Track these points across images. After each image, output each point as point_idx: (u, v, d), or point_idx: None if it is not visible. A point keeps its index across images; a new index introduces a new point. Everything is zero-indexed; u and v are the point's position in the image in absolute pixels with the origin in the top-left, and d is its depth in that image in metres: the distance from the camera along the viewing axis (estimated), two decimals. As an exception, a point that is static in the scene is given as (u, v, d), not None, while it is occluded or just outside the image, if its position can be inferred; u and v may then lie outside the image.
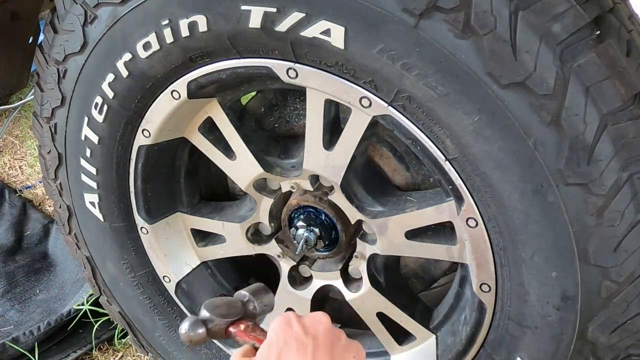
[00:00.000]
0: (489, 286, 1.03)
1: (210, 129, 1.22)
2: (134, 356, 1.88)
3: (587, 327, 0.94)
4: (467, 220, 0.98)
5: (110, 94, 1.15)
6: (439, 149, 0.94)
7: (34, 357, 1.83)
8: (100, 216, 1.34)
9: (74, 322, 1.89)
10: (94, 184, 1.30)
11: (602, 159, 0.83)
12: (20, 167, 2.71)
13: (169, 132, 1.22)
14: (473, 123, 0.86)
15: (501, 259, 0.98)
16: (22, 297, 2.05)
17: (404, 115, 0.94)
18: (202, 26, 0.99)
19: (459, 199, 0.97)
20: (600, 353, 0.96)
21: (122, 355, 1.88)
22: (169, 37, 1.03)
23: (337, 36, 0.89)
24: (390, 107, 0.94)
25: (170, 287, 1.41)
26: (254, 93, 1.26)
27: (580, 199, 0.85)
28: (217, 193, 1.45)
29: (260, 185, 1.23)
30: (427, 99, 0.88)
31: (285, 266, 1.31)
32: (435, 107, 0.88)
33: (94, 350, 1.88)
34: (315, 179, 1.17)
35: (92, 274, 1.47)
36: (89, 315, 1.89)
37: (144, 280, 1.41)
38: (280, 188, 1.22)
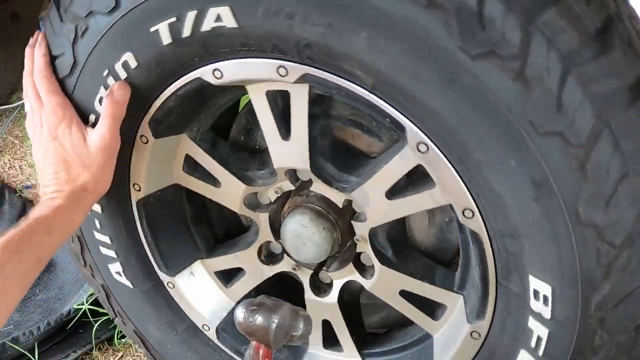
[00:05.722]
0: (471, 211, 0.97)
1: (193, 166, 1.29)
2: (134, 356, 1.86)
3: (576, 208, 0.85)
4: (417, 146, 0.95)
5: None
6: (357, 84, 0.94)
7: (34, 357, 1.84)
8: (129, 284, 1.41)
9: (74, 322, 1.89)
10: (113, 254, 1.38)
11: (572, 107, 0.80)
12: (20, 167, 2.72)
13: (157, 180, 1.29)
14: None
15: (465, 173, 0.94)
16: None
17: (315, 66, 0.95)
18: (133, 62, 1.09)
19: (401, 129, 0.96)
20: (605, 232, 0.86)
21: (122, 355, 1.87)
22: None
23: (227, 17, 0.95)
24: (302, 66, 0.96)
25: (212, 335, 1.42)
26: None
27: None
28: (232, 232, 1.49)
29: (253, 203, 1.26)
30: (319, 37, 0.90)
31: (305, 277, 1.30)
32: (328, 42, 0.90)
33: (94, 350, 1.87)
34: (293, 176, 1.18)
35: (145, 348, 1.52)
36: (89, 315, 1.88)
37: (186, 335, 1.44)
38: (271, 201, 1.24)
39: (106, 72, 1.11)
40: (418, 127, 0.93)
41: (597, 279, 0.88)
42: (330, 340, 1.33)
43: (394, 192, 1.08)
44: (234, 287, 1.41)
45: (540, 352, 0.98)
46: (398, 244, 1.22)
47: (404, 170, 1.05)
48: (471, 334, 1.09)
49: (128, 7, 1.02)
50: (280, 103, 1.11)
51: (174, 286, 1.39)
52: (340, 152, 1.17)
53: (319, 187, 1.16)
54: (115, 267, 1.40)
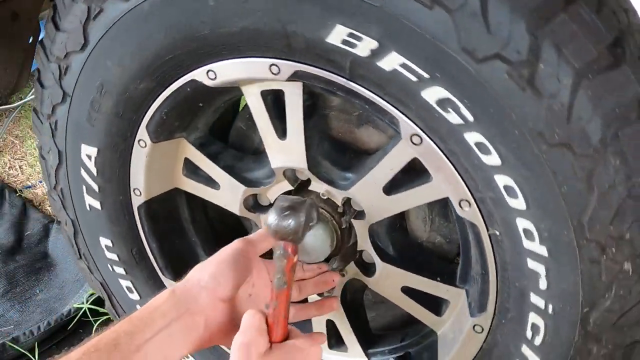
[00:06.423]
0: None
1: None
2: (133, 356, 1.87)
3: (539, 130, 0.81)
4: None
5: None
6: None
7: (34, 357, 1.84)
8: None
9: (74, 321, 1.89)
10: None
11: (501, 24, 0.78)
12: (20, 167, 2.72)
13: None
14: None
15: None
16: (22, 297, 2.08)
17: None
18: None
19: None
20: (574, 145, 0.81)
21: (122, 355, 1.88)
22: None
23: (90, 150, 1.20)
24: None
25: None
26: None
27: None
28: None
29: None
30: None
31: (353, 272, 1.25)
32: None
33: (94, 350, 1.89)
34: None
35: None
36: (89, 315, 1.88)
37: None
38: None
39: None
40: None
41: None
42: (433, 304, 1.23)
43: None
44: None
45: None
46: (399, 239, 1.21)
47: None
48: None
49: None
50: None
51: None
52: (333, 148, 1.16)
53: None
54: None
